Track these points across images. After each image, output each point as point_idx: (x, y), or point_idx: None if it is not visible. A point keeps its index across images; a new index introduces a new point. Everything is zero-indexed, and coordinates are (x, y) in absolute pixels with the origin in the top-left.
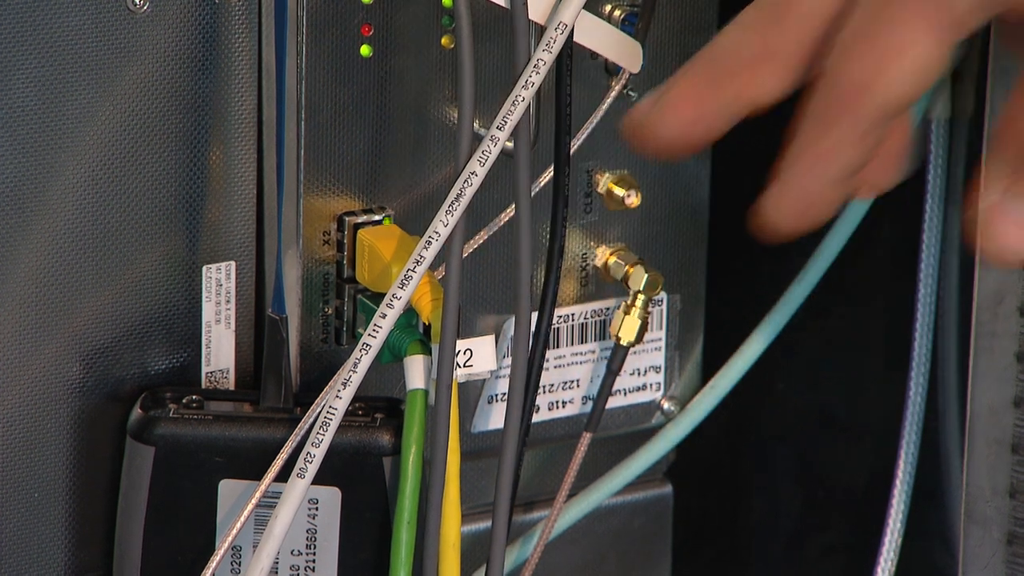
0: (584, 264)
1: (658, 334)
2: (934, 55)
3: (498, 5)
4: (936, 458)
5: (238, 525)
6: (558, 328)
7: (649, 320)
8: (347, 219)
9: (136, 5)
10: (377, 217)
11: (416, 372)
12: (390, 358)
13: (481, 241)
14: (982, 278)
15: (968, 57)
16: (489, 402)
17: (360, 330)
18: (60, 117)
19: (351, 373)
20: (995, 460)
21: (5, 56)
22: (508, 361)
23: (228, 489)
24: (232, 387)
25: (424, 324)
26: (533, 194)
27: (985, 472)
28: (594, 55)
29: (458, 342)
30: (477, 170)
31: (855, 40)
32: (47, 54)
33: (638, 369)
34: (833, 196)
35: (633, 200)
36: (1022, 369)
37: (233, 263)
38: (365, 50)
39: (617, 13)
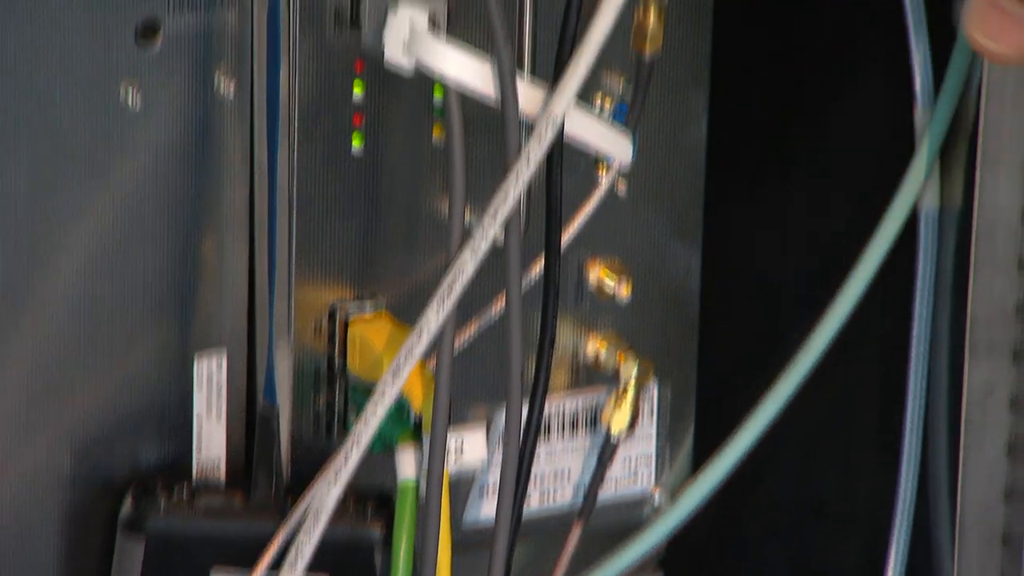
0: (575, 353)
1: (649, 424)
2: None
3: (488, 98)
4: (927, 550)
5: None
6: (549, 418)
7: (640, 410)
8: (338, 310)
9: (130, 101)
10: (368, 304)
11: (407, 462)
12: (381, 448)
13: (472, 332)
14: (971, 370)
15: (957, 148)
16: (480, 493)
17: (352, 418)
18: (53, 212)
19: (342, 465)
20: (986, 553)
21: None
22: (499, 451)
23: None
24: (223, 477)
25: (415, 414)
26: (524, 287)
27: (976, 565)
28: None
29: (449, 432)
30: (468, 262)
31: None
32: (41, 150)
33: (628, 459)
34: None
35: (623, 291)
36: (1012, 462)
37: (224, 353)
38: (356, 140)
39: (607, 104)
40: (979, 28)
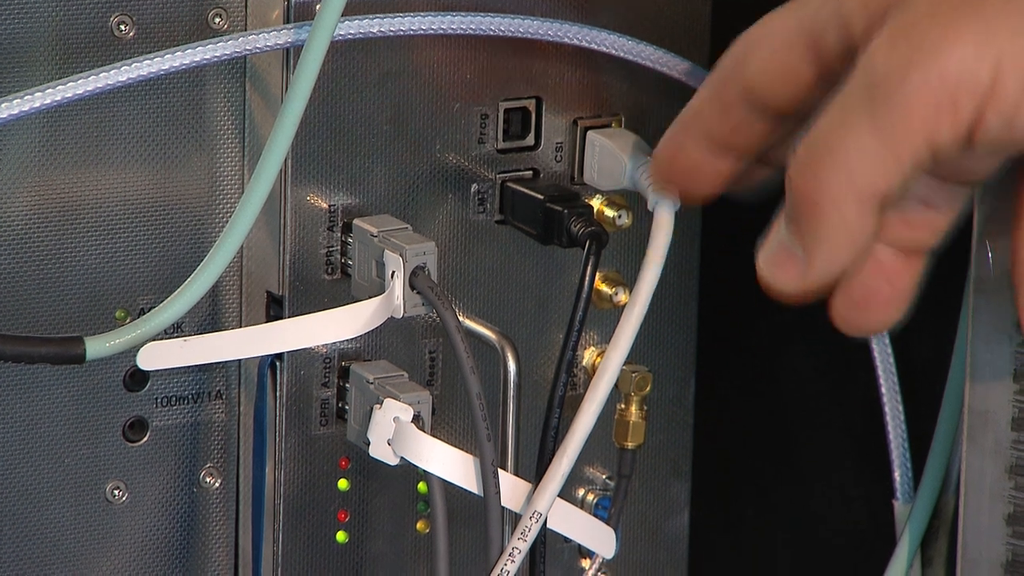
0: None
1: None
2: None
3: (473, 492)
4: None
5: None
6: None
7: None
8: None
9: (115, 496)
10: None
11: None
12: None
13: None
14: None
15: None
16: None
17: None
18: None
19: None
20: None
21: None
22: None
23: None
24: None
25: None
26: None
27: None
28: (567, 539)
29: None
30: None
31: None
32: (26, 546)
33: None
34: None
35: None
36: None
37: None
38: (341, 536)
39: (590, 497)
40: (768, 264)
